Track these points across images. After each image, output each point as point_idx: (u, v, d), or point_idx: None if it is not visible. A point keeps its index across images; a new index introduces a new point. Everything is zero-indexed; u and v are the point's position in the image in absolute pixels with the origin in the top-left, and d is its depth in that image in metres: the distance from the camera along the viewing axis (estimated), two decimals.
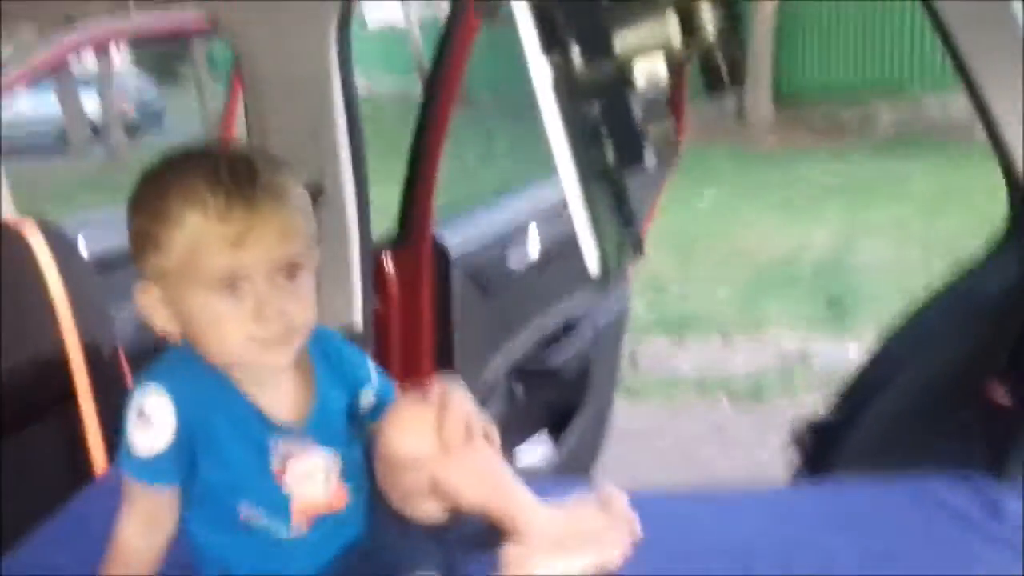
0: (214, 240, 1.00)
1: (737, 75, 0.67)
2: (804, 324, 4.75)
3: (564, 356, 2.32)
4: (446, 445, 1.11)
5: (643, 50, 0.62)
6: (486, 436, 1.14)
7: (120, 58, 16.52)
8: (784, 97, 10.82)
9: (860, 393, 1.76)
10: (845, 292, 5.03)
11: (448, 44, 1.93)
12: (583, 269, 0.93)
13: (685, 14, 0.62)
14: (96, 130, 14.08)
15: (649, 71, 0.63)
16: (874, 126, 9.65)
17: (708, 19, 0.63)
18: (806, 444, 1.82)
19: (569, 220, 0.83)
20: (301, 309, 1.05)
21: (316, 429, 1.10)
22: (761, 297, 5.19)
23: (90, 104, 14.03)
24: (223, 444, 1.05)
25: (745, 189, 7.80)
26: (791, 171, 8.37)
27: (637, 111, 0.69)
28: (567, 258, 1.95)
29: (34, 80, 2.61)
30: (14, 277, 1.44)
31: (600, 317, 2.48)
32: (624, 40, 0.63)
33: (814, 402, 2.17)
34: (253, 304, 1.01)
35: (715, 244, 6.31)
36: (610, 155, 0.70)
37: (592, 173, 0.68)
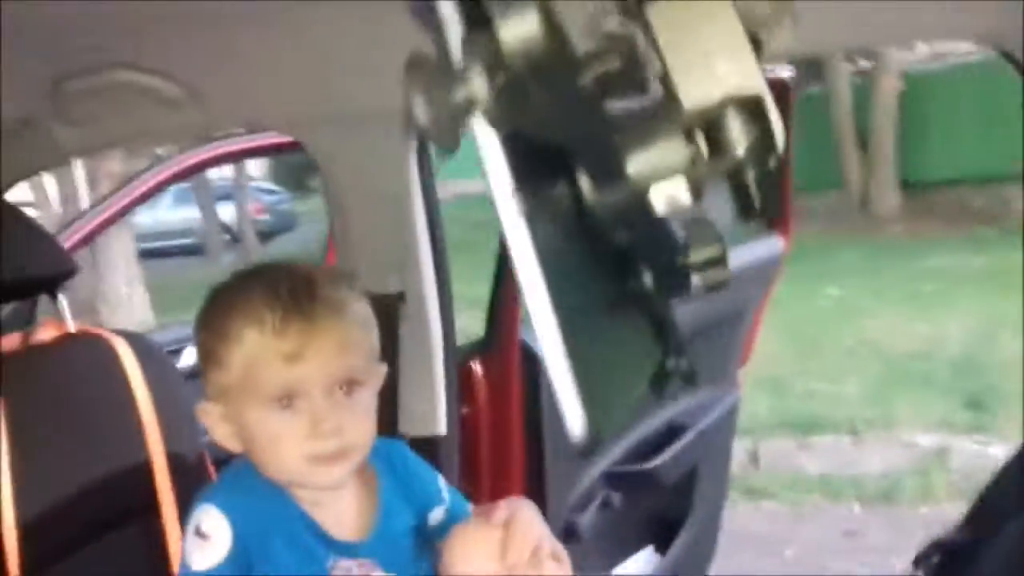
0: (271, 356, 1.00)
1: (773, 203, 0.58)
2: (941, 423, 4.45)
3: (666, 462, 2.21)
4: (511, 569, 1.04)
5: (660, 173, 0.54)
6: (556, 559, 1.07)
7: (255, 169, 17.59)
8: (910, 185, 10.48)
9: (994, 508, 1.61)
10: (985, 390, 4.70)
11: None
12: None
13: (710, 130, 0.54)
14: (232, 235, 14.91)
15: (669, 194, 0.55)
16: (1007, 212, 9.19)
17: (738, 135, 0.54)
18: (934, 564, 1.66)
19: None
20: (358, 426, 1.04)
21: (377, 546, 1.07)
22: (892, 394, 4.90)
23: (227, 212, 14.93)
24: (280, 562, 1.03)
25: (871, 280, 7.50)
26: (920, 261, 8.03)
27: (672, 231, 0.62)
28: None
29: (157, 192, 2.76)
30: (100, 385, 1.47)
31: (705, 420, 2.37)
32: (637, 161, 0.55)
33: (954, 506, 2.00)
34: (308, 420, 1.01)
35: (841, 338, 6.04)
36: (647, 283, 0.63)
37: (606, 308, 0.61)
